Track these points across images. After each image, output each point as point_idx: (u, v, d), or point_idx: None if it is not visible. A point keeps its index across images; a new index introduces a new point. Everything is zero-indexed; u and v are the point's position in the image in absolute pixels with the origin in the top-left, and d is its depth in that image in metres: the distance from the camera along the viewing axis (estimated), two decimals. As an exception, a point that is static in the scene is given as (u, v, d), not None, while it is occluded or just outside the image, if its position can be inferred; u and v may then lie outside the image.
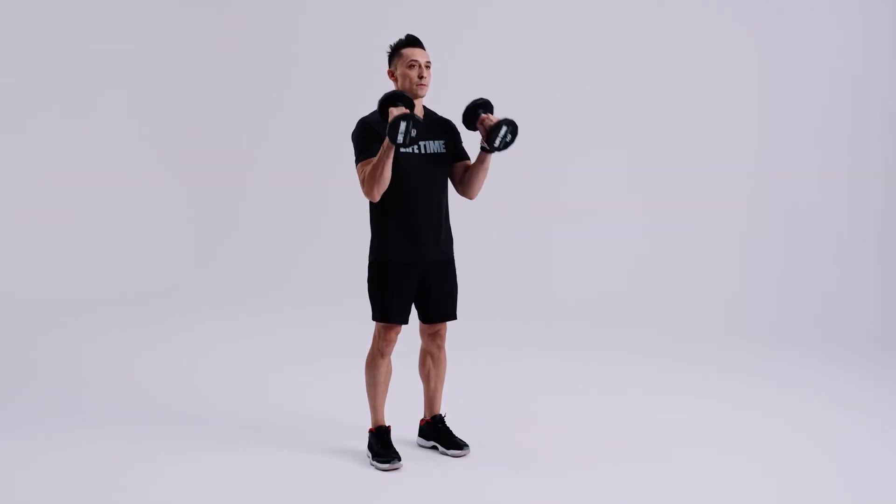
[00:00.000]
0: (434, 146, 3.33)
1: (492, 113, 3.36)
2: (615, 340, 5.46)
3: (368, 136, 3.23)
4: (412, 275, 3.33)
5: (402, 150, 3.24)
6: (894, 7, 6.07)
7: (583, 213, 6.45)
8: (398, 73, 3.29)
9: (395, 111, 3.11)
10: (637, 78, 6.47)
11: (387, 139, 3.08)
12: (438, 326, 3.47)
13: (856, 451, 3.56)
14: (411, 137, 3.05)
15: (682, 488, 3.15)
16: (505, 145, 3.27)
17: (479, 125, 3.34)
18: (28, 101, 6.16)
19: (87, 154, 6.55)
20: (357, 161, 3.26)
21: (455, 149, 3.41)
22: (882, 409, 4.15)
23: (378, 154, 3.15)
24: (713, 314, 5.87)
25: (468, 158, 3.44)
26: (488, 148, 3.29)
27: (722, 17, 6.37)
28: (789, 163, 6.27)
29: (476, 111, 3.35)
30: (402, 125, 3.03)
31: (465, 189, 3.42)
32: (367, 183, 3.18)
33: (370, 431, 3.42)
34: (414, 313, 3.44)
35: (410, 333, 3.55)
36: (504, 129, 3.24)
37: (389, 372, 3.42)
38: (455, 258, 3.48)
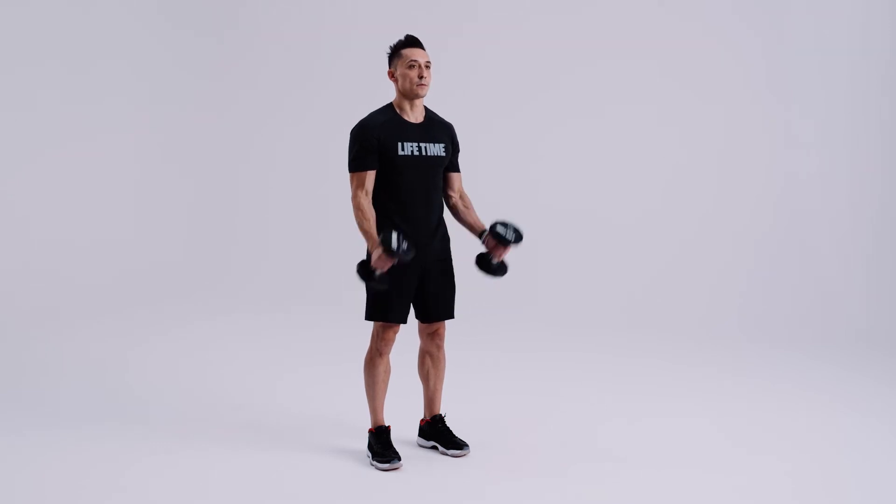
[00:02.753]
0: (434, 149, 3.34)
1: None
2: (616, 341, 5.46)
3: (364, 145, 3.24)
4: (411, 274, 3.33)
5: (399, 152, 3.25)
6: (895, 6, 6.08)
7: (582, 215, 6.46)
8: (398, 73, 3.29)
9: (375, 254, 3.11)
10: (635, 79, 6.47)
11: (378, 244, 3.10)
12: (437, 326, 3.47)
13: (854, 451, 3.57)
14: (404, 249, 3.07)
15: (680, 489, 3.15)
16: (518, 237, 3.36)
17: (489, 249, 3.38)
18: (31, 108, 6.16)
19: (96, 153, 6.55)
20: (350, 168, 3.28)
21: (452, 155, 3.42)
22: (882, 408, 4.16)
23: (367, 233, 3.17)
24: (712, 315, 5.87)
25: (458, 171, 3.48)
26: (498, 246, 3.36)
27: (721, 18, 6.38)
28: (789, 163, 6.28)
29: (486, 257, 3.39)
30: (394, 235, 3.07)
31: (450, 209, 3.47)
32: (356, 216, 3.24)
33: (370, 431, 3.42)
34: (413, 313, 3.44)
35: (410, 333, 3.55)
36: (502, 228, 3.32)
37: (388, 372, 3.42)
38: (453, 258, 3.48)
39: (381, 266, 3.11)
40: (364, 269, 3.14)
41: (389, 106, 3.35)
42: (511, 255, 6.34)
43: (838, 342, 5.43)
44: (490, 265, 3.37)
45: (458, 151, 3.48)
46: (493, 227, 3.33)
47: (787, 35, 6.30)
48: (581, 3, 6.56)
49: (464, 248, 3.60)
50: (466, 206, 3.48)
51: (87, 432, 3.68)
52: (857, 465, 3.41)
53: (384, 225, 3.29)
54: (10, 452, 3.45)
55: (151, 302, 6.17)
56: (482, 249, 3.41)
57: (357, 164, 3.25)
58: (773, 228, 6.24)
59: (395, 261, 3.10)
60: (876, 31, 6.10)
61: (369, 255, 3.16)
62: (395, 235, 3.07)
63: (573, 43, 6.54)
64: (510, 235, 3.33)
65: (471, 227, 3.46)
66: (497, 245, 3.35)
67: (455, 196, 3.47)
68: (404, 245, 3.07)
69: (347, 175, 3.29)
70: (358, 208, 3.23)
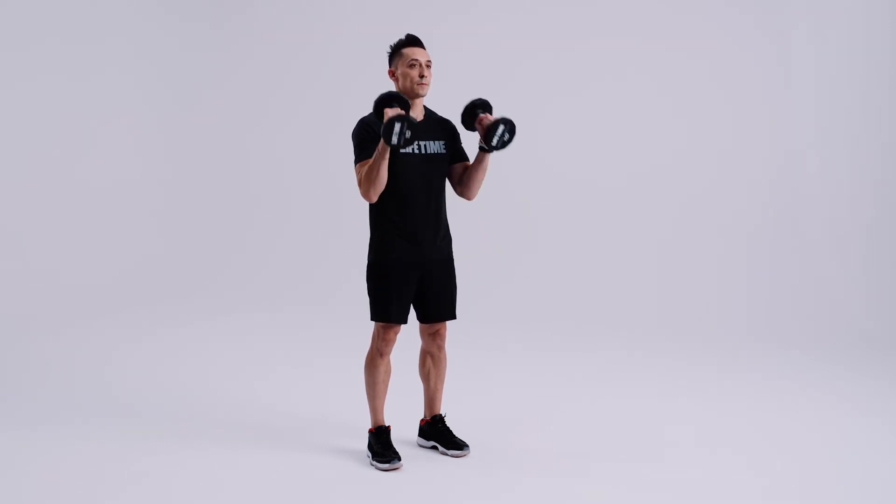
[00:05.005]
0: (434, 146, 3.33)
1: (490, 113, 3.36)
2: (616, 341, 5.46)
3: (367, 137, 3.23)
4: (411, 274, 3.33)
5: (401, 150, 3.24)
6: (895, 6, 6.08)
7: (583, 214, 6.45)
8: (399, 72, 3.29)
9: (390, 112, 3.11)
10: (636, 79, 6.47)
11: (382, 140, 3.08)
12: (438, 326, 3.46)
13: (855, 452, 3.57)
14: (406, 138, 3.05)
15: (681, 490, 3.15)
16: (503, 144, 3.27)
17: (477, 125, 3.34)
18: (31, 98, 6.14)
19: (93, 151, 6.54)
20: (356, 162, 3.26)
21: (454, 149, 3.41)
22: (883, 408, 4.16)
23: (374, 155, 3.15)
24: (711, 315, 5.87)
25: (467, 160, 3.45)
26: (486, 147, 3.29)
27: (722, 18, 6.38)
28: (789, 165, 6.28)
29: (474, 111, 3.35)
30: (397, 126, 3.03)
31: (464, 190, 3.43)
32: (364, 184, 3.19)
33: (370, 431, 3.42)
34: (414, 314, 3.44)
35: (411, 333, 3.55)
36: (501, 128, 3.24)
37: (389, 372, 3.42)
38: (454, 258, 3.48)
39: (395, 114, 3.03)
40: (389, 124, 3.03)
41: (390, 105, 3.34)
42: (513, 255, 6.36)
43: (839, 342, 5.42)
44: (490, 138, 3.23)
45: (461, 142, 3.45)
46: (498, 120, 3.23)
47: (786, 34, 6.30)
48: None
49: (465, 248, 3.60)
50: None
51: (86, 432, 3.68)
52: (858, 466, 3.41)
53: (384, 226, 3.29)
54: (9, 452, 3.45)
55: (149, 302, 6.16)
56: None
57: (363, 155, 3.22)
58: (774, 229, 6.24)
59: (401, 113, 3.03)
60: (876, 30, 6.10)
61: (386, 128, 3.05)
62: (397, 127, 3.01)
63: (571, 33, 6.53)
64: (495, 140, 3.22)
65: (475, 160, 3.36)
66: (484, 130, 3.24)
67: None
68: (407, 135, 3.01)
69: (339, 176, 3.26)
70: (363, 174, 3.18)
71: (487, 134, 3.24)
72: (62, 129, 6.36)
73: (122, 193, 6.73)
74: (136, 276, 6.47)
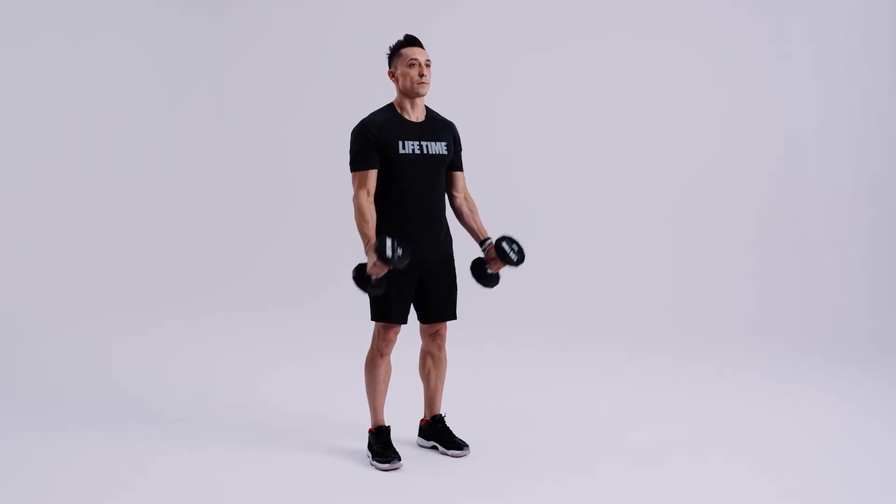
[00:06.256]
0: (436, 147, 3.33)
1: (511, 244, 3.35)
2: (615, 341, 5.46)
3: (365, 144, 3.23)
4: (412, 275, 3.32)
5: (400, 151, 3.24)
6: (895, 7, 6.08)
7: (583, 213, 6.45)
8: (398, 72, 3.29)
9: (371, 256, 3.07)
10: (636, 79, 6.47)
11: (372, 250, 3.07)
12: (438, 326, 3.46)
13: (855, 452, 3.57)
14: (399, 256, 3.03)
15: (681, 490, 3.15)
16: (518, 254, 3.35)
17: (489, 262, 3.37)
18: (32, 97, 6.14)
19: (86, 152, 6.53)
20: (351, 167, 3.26)
21: (454, 156, 3.41)
22: (883, 408, 4.16)
23: (367, 230, 3.15)
24: (712, 315, 5.87)
25: (462, 170, 3.46)
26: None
27: (723, 18, 6.37)
28: (790, 164, 6.28)
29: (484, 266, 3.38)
30: (389, 242, 3.03)
31: (454, 210, 3.47)
32: (356, 217, 3.21)
33: (370, 431, 3.42)
34: (414, 314, 3.44)
35: (411, 332, 3.55)
36: (506, 245, 3.31)
37: (389, 372, 3.42)
38: (455, 258, 3.48)
39: (377, 272, 3.10)
40: (360, 275, 3.13)
41: (390, 106, 3.34)
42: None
43: (839, 342, 5.42)
44: (484, 274, 3.38)
45: (461, 150, 3.47)
46: (499, 240, 3.33)
47: (786, 34, 6.30)
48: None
49: (466, 248, 3.59)
50: (471, 210, 3.47)
51: (87, 432, 3.67)
52: (858, 466, 3.40)
53: (384, 227, 3.29)
54: (10, 453, 3.45)
55: (149, 302, 6.16)
56: (480, 255, 3.41)
57: (358, 163, 3.24)
58: (774, 228, 6.24)
59: (390, 268, 3.08)
60: (876, 30, 6.10)
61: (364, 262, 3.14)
62: (389, 242, 3.04)
63: (569, 31, 6.52)
64: (513, 256, 3.33)
65: (473, 233, 3.46)
66: (496, 259, 3.34)
67: (459, 197, 3.46)
68: (399, 251, 3.04)
69: (338, 175, 3.27)
70: (358, 210, 3.21)
71: (502, 258, 3.30)
72: (61, 128, 6.37)
73: (121, 193, 6.73)
74: (136, 276, 6.47)
